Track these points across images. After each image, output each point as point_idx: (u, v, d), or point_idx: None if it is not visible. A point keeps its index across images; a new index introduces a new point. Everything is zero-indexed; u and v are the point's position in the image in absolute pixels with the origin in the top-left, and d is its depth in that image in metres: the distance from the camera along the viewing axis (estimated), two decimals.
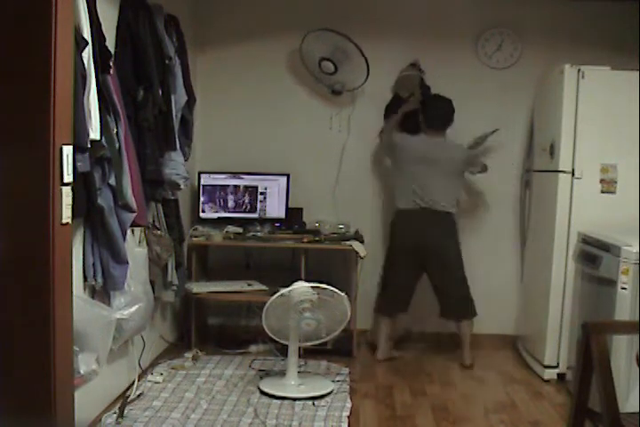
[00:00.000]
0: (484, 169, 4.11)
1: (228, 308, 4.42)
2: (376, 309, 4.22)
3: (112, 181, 2.73)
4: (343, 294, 3.40)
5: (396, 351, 4.19)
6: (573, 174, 3.67)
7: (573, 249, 3.66)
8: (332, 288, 3.38)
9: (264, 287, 4.06)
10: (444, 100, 4.05)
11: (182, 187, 3.60)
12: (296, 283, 3.43)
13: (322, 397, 3.38)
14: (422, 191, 3.93)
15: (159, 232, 3.48)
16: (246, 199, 4.36)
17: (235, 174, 4.35)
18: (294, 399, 3.32)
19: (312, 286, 3.38)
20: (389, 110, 4.28)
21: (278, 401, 3.31)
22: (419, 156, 3.95)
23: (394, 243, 4.07)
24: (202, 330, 4.30)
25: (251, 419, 3.09)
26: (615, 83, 3.63)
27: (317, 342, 3.56)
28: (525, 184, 4.38)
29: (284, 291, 3.39)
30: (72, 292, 2.32)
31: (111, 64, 2.77)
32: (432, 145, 3.98)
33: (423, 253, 3.96)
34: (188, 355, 3.95)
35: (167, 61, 3.39)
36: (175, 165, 3.49)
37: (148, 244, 3.35)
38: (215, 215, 4.35)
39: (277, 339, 3.54)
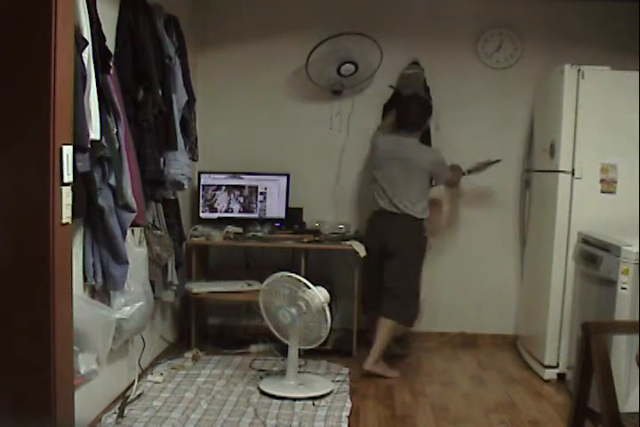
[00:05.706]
0: (451, 183, 4.03)
1: (227, 308, 4.42)
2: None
3: (112, 181, 2.73)
4: (329, 323, 3.35)
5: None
6: (573, 174, 3.67)
7: (573, 249, 3.66)
8: (329, 317, 3.33)
9: None
10: (417, 103, 3.98)
11: (186, 187, 3.60)
12: (319, 287, 3.39)
13: (322, 397, 3.38)
14: (389, 192, 3.84)
15: (159, 232, 3.48)
16: (247, 199, 4.36)
17: (235, 174, 4.35)
18: (294, 399, 3.32)
19: (326, 300, 3.35)
20: (388, 109, 4.28)
21: (278, 401, 3.31)
22: (388, 155, 3.87)
23: (366, 245, 4.01)
24: (202, 330, 4.30)
25: (251, 419, 3.09)
26: (615, 83, 3.63)
27: (310, 346, 3.55)
28: (525, 184, 4.39)
29: (303, 280, 3.37)
30: (72, 292, 2.32)
31: (111, 64, 2.77)
32: (403, 145, 3.88)
33: (382, 255, 3.89)
34: (188, 355, 3.95)
35: (167, 61, 3.39)
36: (180, 166, 3.48)
37: (148, 244, 3.34)
38: (215, 215, 4.35)
39: (264, 314, 3.53)
